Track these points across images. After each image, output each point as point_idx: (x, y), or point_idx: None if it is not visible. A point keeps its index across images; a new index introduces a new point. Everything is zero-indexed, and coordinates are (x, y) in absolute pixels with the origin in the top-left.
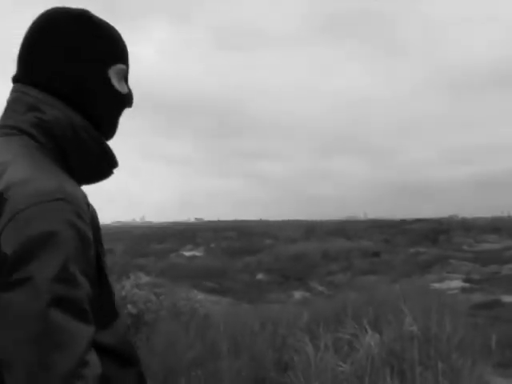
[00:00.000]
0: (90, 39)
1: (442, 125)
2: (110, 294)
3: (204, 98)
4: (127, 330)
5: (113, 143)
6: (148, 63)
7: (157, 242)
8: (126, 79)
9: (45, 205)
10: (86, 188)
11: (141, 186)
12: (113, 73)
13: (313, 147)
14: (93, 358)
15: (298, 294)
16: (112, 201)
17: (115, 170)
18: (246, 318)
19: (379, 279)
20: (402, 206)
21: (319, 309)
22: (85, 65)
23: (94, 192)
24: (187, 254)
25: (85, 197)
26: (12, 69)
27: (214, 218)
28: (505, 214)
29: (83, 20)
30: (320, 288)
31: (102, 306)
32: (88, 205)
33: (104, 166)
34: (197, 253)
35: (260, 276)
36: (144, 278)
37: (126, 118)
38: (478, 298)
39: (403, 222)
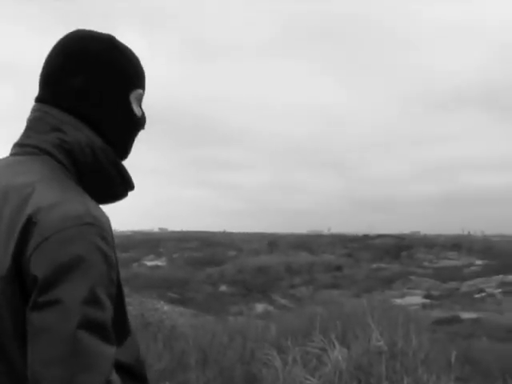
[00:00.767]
0: (115, 65)
1: (406, 141)
2: (124, 312)
3: (170, 107)
4: (138, 348)
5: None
6: None
7: (119, 250)
8: (140, 102)
9: (73, 229)
10: None
11: None
12: (133, 97)
13: (278, 160)
14: (115, 377)
15: (260, 307)
16: None
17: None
18: (214, 330)
19: (341, 293)
20: (365, 221)
21: (287, 323)
22: (108, 89)
23: None
24: (149, 263)
25: (108, 219)
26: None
27: (178, 228)
28: (465, 232)
29: (109, 46)
30: (282, 301)
31: (117, 324)
32: (110, 227)
33: (120, 188)
34: (159, 263)
35: (223, 288)
36: None
37: None
38: (437, 313)
39: (366, 237)
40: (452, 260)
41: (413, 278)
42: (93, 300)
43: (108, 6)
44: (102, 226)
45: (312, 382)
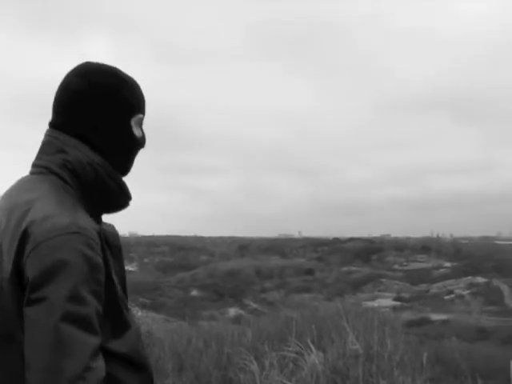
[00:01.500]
0: (119, 95)
1: (376, 146)
2: (119, 310)
3: None
4: (139, 340)
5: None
6: None
7: None
8: (141, 124)
9: (60, 238)
10: None
11: None
12: (134, 122)
13: (249, 164)
14: (98, 363)
15: (232, 311)
16: None
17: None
18: (189, 335)
19: (313, 297)
20: (336, 225)
21: (263, 327)
22: (112, 116)
23: None
24: None
25: (95, 228)
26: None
27: (149, 233)
28: (434, 235)
29: (114, 77)
30: (254, 305)
31: (114, 320)
32: (100, 235)
33: (120, 199)
34: (130, 268)
35: (194, 292)
36: None
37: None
38: (408, 316)
39: (337, 240)
40: (422, 262)
41: (383, 280)
42: (75, 297)
43: (78, 12)
44: (87, 234)
45: None
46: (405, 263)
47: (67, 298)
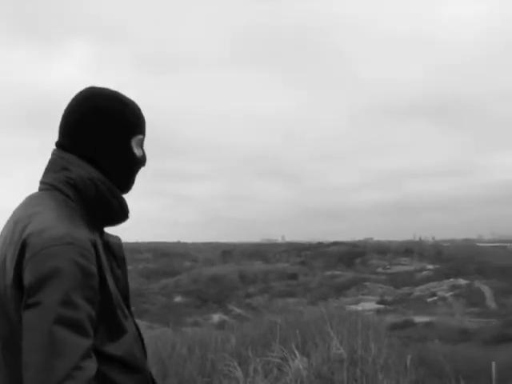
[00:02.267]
0: (121, 118)
1: (359, 150)
2: (114, 315)
3: None
4: (134, 344)
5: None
6: (71, 82)
7: None
8: (142, 144)
9: (54, 248)
10: None
11: None
12: (134, 142)
13: (232, 169)
14: (88, 364)
15: (216, 317)
16: None
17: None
18: (173, 342)
19: (297, 301)
20: (319, 229)
21: (246, 333)
22: (113, 137)
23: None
24: None
25: (90, 239)
26: None
27: (132, 240)
28: (416, 238)
29: (116, 102)
30: (238, 310)
31: (109, 324)
32: (95, 245)
33: (119, 214)
34: None
35: (178, 298)
36: None
37: (45, 134)
38: (392, 318)
39: (320, 244)
40: (404, 265)
41: (367, 284)
42: (67, 302)
43: (60, 19)
44: (80, 244)
45: None
46: (388, 266)
47: (60, 303)
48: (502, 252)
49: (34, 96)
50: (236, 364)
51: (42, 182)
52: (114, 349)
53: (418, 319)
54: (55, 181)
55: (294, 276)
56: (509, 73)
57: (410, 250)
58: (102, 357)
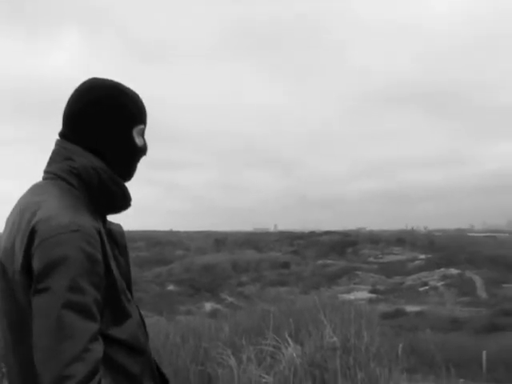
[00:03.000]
0: (122, 108)
1: (351, 139)
2: (119, 300)
3: None
4: (137, 328)
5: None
6: (59, 72)
7: None
8: (143, 134)
9: (62, 235)
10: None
11: None
12: (135, 132)
13: (223, 159)
14: (96, 346)
15: (208, 306)
16: None
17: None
18: (166, 330)
19: (289, 290)
20: (312, 219)
21: (240, 321)
22: (115, 127)
23: None
24: None
25: (95, 227)
26: None
27: (125, 228)
28: (409, 227)
29: (117, 92)
30: (230, 299)
31: (114, 309)
32: (100, 233)
33: (122, 201)
34: None
35: (171, 287)
36: None
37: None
38: (383, 308)
39: (312, 233)
40: (396, 255)
41: (359, 273)
42: (75, 287)
43: (49, 8)
44: (86, 231)
45: (267, 380)
46: (380, 256)
47: (68, 288)
48: (492, 242)
49: (23, 85)
50: (229, 352)
51: (46, 172)
52: (119, 332)
53: (410, 308)
54: (59, 170)
55: (286, 265)
56: (501, 62)
57: (401, 239)
58: (108, 340)
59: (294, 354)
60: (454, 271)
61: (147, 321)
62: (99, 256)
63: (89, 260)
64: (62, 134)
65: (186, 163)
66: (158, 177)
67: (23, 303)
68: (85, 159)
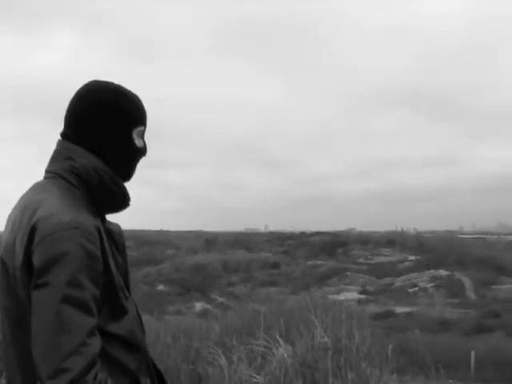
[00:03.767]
0: (122, 110)
1: (342, 139)
2: (116, 296)
3: None
4: (135, 324)
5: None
6: (56, 70)
7: None
8: (143, 135)
9: (62, 232)
10: None
11: None
12: (135, 133)
13: (215, 157)
14: (93, 341)
15: (198, 306)
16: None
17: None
18: (157, 330)
19: (279, 291)
20: (302, 219)
21: (231, 321)
22: (115, 129)
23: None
24: None
25: (94, 225)
26: None
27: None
28: (399, 229)
29: (118, 94)
30: (220, 299)
31: (111, 305)
32: (99, 230)
33: (121, 201)
34: None
35: (160, 287)
36: None
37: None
38: (373, 308)
39: (302, 234)
40: (386, 256)
41: (349, 274)
42: (73, 282)
43: (48, 6)
44: (86, 229)
45: (258, 380)
46: (370, 257)
47: (67, 283)
48: (482, 244)
49: (18, 83)
50: (220, 352)
51: (47, 171)
52: (116, 328)
53: (399, 309)
54: (60, 169)
55: (276, 265)
56: (496, 63)
57: (391, 240)
58: (106, 336)
59: (285, 354)
60: (443, 272)
61: (144, 320)
62: (98, 253)
63: (88, 256)
64: (64, 135)
65: (177, 163)
66: (150, 176)
67: (23, 299)
68: (85, 159)
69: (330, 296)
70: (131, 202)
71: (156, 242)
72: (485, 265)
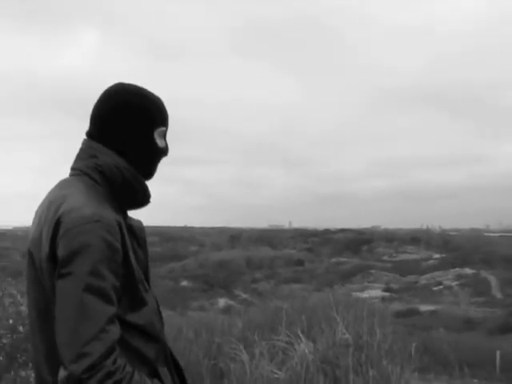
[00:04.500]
0: (144, 111)
1: (367, 137)
2: (136, 288)
3: None
4: (154, 317)
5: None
6: (75, 70)
7: None
8: (165, 136)
9: (85, 225)
10: None
11: None
12: (156, 134)
13: (240, 155)
14: (113, 328)
15: (222, 302)
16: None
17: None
18: (179, 325)
19: (303, 287)
20: (326, 216)
21: (253, 317)
22: (137, 129)
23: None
24: None
25: (115, 219)
26: None
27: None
28: (424, 226)
29: (141, 97)
30: (244, 295)
31: (131, 296)
32: (120, 225)
33: (142, 198)
34: None
35: (184, 283)
36: None
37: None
38: (397, 306)
39: (327, 231)
40: (411, 254)
41: (373, 271)
42: (95, 273)
43: (70, 6)
44: (107, 222)
45: (279, 376)
46: (394, 254)
47: (89, 273)
48: (508, 242)
49: (41, 82)
50: (242, 347)
51: (72, 168)
52: (136, 318)
53: (424, 308)
54: (85, 167)
55: (300, 262)
56: None
57: (416, 238)
58: (125, 325)
59: (306, 350)
60: (468, 271)
61: (167, 315)
62: (119, 245)
63: (109, 248)
64: (89, 134)
65: (202, 160)
66: (175, 173)
67: (49, 290)
68: (108, 158)
69: (354, 294)
70: (153, 200)
71: (180, 238)
72: (511, 263)
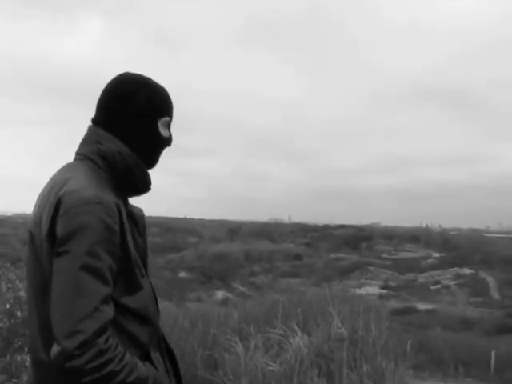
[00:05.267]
0: (149, 101)
1: (368, 134)
2: (132, 272)
3: None
4: (149, 301)
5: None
6: (82, 57)
7: None
8: (169, 126)
9: (85, 206)
10: None
11: None
12: (160, 123)
13: (240, 148)
14: (106, 308)
15: (220, 294)
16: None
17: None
18: (175, 315)
19: (301, 282)
20: (326, 212)
21: (249, 309)
22: (142, 118)
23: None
24: None
25: (114, 201)
26: None
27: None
28: (423, 225)
29: (146, 86)
30: (242, 288)
31: (127, 279)
32: (118, 207)
33: (143, 185)
34: None
35: (182, 274)
36: None
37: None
38: (394, 304)
39: (326, 227)
40: (410, 252)
41: (371, 268)
42: (92, 253)
43: None
44: (107, 205)
45: (273, 368)
46: (393, 252)
47: (86, 253)
48: (508, 243)
49: (45, 68)
50: (237, 339)
51: (77, 153)
52: (130, 301)
53: (421, 306)
54: (88, 152)
55: (298, 257)
56: None
57: (416, 236)
58: (120, 308)
59: (301, 344)
60: (467, 271)
61: (163, 306)
62: (117, 228)
63: (107, 230)
64: (95, 120)
65: (203, 151)
66: (175, 164)
67: (47, 268)
68: (112, 144)
69: (352, 290)
70: (153, 190)
71: (179, 230)
72: (510, 265)
